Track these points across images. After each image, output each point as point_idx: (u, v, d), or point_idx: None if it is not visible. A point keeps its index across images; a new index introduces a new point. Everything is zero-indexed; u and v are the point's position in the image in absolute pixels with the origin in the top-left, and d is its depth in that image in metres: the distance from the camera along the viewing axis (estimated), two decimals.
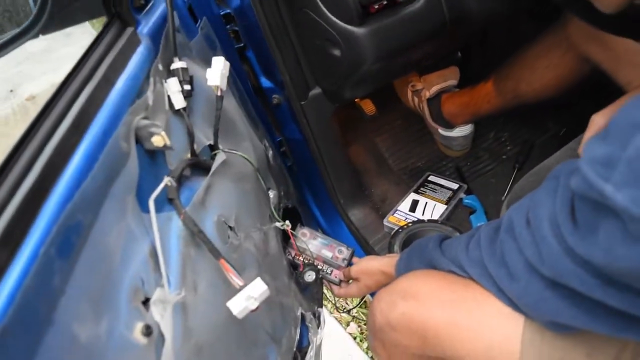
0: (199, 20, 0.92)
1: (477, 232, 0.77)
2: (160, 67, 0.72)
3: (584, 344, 0.67)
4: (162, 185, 0.66)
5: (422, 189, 1.42)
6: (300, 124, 1.18)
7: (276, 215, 0.98)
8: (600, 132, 0.50)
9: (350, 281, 1.13)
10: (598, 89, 1.11)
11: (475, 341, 0.74)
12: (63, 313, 0.48)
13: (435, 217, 1.33)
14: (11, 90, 3.13)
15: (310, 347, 1.03)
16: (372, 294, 1.36)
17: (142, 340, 0.57)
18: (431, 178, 1.45)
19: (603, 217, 0.49)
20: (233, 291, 0.67)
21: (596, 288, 0.54)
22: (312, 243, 1.15)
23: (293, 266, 1.12)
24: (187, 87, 0.76)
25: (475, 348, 0.74)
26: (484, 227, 0.75)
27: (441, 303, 0.77)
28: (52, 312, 0.47)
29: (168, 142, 0.65)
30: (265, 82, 1.20)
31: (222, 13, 1.09)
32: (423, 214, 1.34)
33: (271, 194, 1.01)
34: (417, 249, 0.90)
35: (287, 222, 1.02)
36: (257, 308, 0.66)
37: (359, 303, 1.61)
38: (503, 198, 1.39)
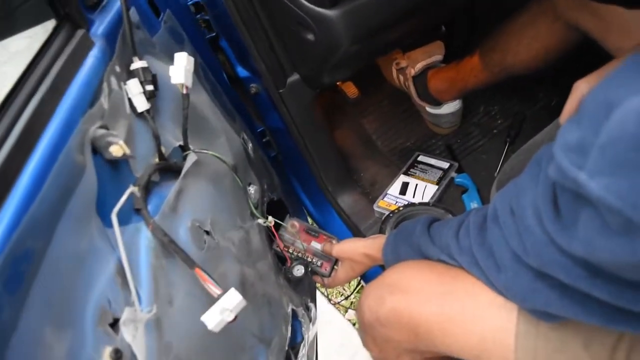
0: (162, 14, 0.87)
1: (466, 218, 0.73)
2: (118, 68, 0.68)
3: (581, 335, 0.64)
4: (125, 197, 0.62)
5: (411, 170, 1.38)
6: (280, 112, 1.14)
7: (256, 213, 0.94)
8: (576, 114, 0.47)
9: (336, 268, 1.10)
10: (589, 57, 1.07)
11: (468, 334, 0.71)
12: (17, 350, 0.45)
13: (427, 198, 1.29)
14: None
15: (302, 344, 1.01)
16: (366, 281, 1.34)
17: None
18: (421, 158, 1.41)
19: (582, 206, 0.46)
20: (213, 300, 0.64)
21: (582, 280, 0.51)
22: (302, 235, 1.12)
23: (281, 261, 1.08)
24: (150, 87, 0.72)
25: (468, 341, 0.71)
26: (473, 214, 0.72)
27: (431, 296, 0.74)
28: (4, 351, 0.43)
29: (127, 151, 0.61)
30: (242, 72, 1.16)
31: (190, 2, 1.04)
32: (414, 197, 1.30)
33: (252, 189, 0.98)
34: (404, 233, 0.86)
35: (270, 218, 0.99)
36: (234, 319, 0.63)
37: (356, 289, 1.59)
38: (495, 174, 1.36)
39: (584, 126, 0.45)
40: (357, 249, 1.02)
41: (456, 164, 1.38)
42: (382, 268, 1.05)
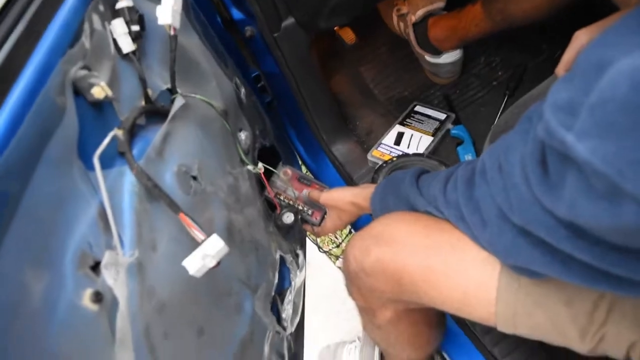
0: None
1: (455, 170, 0.73)
2: (101, 7, 0.66)
3: (563, 290, 0.64)
4: (107, 139, 0.61)
5: (407, 120, 1.36)
6: (275, 57, 1.11)
7: (245, 159, 0.93)
8: (569, 72, 0.45)
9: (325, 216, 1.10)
10: (596, 8, 1.03)
11: (451, 288, 0.72)
12: None
13: (421, 149, 1.28)
14: None
15: (289, 290, 1.02)
16: (357, 229, 1.34)
17: (92, 307, 0.55)
18: (418, 108, 1.39)
19: (569, 167, 0.45)
20: (198, 245, 0.64)
21: (566, 240, 0.51)
22: (294, 183, 1.12)
23: (272, 208, 1.08)
24: (136, 27, 0.70)
25: (451, 295, 0.72)
26: (462, 167, 0.71)
27: (416, 249, 0.74)
28: None
29: (109, 93, 0.60)
30: (237, 14, 1.12)
31: None
32: (408, 147, 1.29)
33: (243, 135, 0.96)
34: (392, 183, 0.86)
35: (260, 165, 0.98)
36: (217, 265, 0.63)
37: (347, 236, 1.60)
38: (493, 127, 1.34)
39: (576, 85, 0.43)
40: (345, 197, 1.02)
41: (453, 116, 1.36)
42: (372, 217, 1.06)
